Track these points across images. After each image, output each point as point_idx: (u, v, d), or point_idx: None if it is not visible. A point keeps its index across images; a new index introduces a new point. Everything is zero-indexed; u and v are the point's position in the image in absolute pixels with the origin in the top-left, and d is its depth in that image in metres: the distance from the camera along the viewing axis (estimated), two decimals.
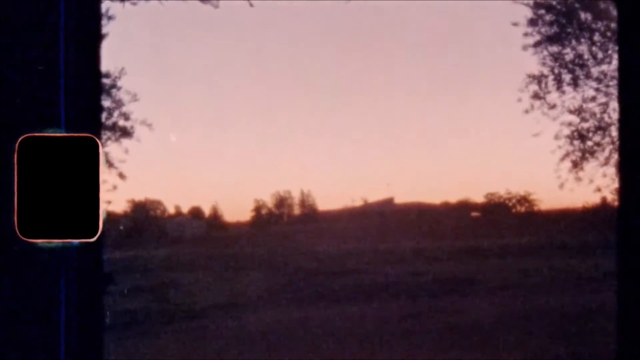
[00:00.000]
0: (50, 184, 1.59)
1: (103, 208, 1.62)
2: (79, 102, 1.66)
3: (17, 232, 1.57)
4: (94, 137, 1.59)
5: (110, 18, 4.30)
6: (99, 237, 1.60)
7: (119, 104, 4.59)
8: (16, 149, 1.56)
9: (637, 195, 1.85)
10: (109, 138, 4.59)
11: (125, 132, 4.61)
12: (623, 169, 1.87)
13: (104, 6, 4.34)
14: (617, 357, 1.91)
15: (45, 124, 1.64)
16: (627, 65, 1.87)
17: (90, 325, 1.70)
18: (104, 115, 4.61)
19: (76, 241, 1.63)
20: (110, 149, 4.58)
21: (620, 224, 1.87)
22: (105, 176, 4.51)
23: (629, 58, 1.85)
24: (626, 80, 1.87)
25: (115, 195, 4.62)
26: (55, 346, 1.65)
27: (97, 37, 1.69)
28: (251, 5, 4.10)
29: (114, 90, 4.56)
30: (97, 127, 1.70)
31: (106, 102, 4.56)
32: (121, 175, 4.57)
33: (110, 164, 4.54)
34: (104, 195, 1.60)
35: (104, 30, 4.51)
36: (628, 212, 1.87)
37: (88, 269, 1.70)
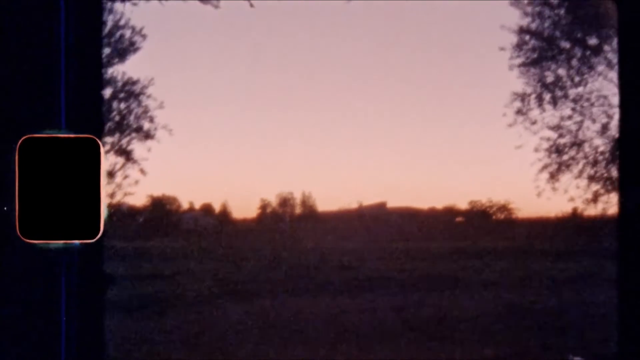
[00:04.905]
0: (51, 185, 1.45)
1: (105, 206, 1.45)
2: (80, 103, 1.51)
3: (18, 233, 1.42)
4: (95, 138, 1.44)
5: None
6: (99, 238, 1.45)
7: (145, 109, 4.57)
8: (17, 149, 1.41)
9: (637, 200, 1.71)
10: (134, 138, 4.56)
11: (149, 135, 4.58)
12: (622, 172, 1.72)
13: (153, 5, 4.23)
14: (618, 357, 1.77)
15: (46, 125, 1.49)
16: (626, 64, 1.71)
17: (91, 326, 1.55)
18: (131, 119, 4.59)
19: (77, 242, 1.48)
20: (134, 146, 4.57)
21: (621, 226, 1.72)
22: (129, 171, 4.51)
23: (629, 58, 1.70)
24: (626, 83, 1.72)
25: (136, 189, 4.56)
26: (56, 346, 1.50)
27: (98, 36, 1.52)
28: (251, 5, 3.97)
29: (142, 97, 4.55)
30: (98, 128, 1.55)
31: (135, 108, 4.57)
32: (142, 171, 4.53)
33: (133, 161, 4.52)
34: (127, 188, 1.45)
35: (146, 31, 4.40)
36: (629, 215, 1.72)
37: (89, 270, 1.55)
